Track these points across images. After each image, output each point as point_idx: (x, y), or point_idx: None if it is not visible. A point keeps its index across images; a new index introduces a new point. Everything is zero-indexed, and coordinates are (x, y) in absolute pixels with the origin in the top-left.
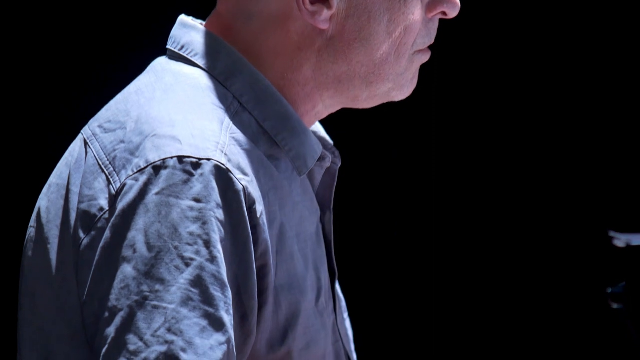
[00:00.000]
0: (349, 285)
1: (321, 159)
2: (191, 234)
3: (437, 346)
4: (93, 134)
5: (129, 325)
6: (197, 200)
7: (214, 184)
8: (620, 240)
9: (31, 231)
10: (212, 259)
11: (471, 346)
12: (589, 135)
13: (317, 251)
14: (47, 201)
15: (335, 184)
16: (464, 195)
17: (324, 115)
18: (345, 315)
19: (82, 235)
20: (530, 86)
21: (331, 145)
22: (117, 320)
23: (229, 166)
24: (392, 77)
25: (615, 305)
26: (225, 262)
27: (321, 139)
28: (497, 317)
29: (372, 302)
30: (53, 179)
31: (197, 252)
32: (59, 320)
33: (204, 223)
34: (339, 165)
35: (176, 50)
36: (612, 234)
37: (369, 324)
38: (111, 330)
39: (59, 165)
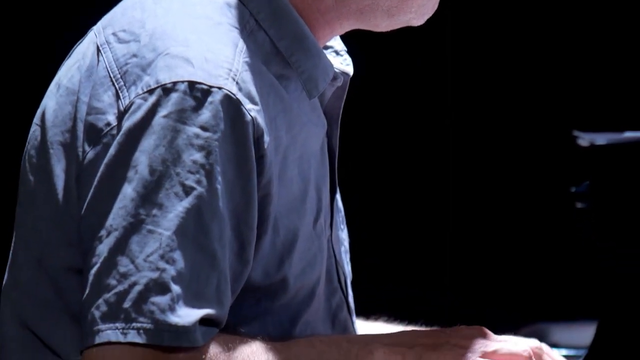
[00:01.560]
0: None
1: (333, 79)
2: (194, 162)
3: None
4: (107, 41)
5: (122, 246)
6: (204, 129)
7: (223, 114)
8: (584, 139)
9: (36, 129)
10: (212, 190)
11: (440, 240)
12: (556, 35)
13: (320, 169)
14: (55, 103)
15: (345, 94)
16: (441, 98)
17: (340, 34)
18: (343, 226)
19: (87, 148)
20: None
21: (344, 52)
22: (111, 240)
23: (239, 96)
24: (414, 8)
25: (579, 205)
26: (227, 193)
27: (333, 53)
28: (462, 217)
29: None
30: (64, 80)
31: (199, 182)
32: (57, 226)
33: (209, 153)
34: (351, 75)
35: None
36: (576, 133)
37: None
38: (104, 250)
39: (69, 63)
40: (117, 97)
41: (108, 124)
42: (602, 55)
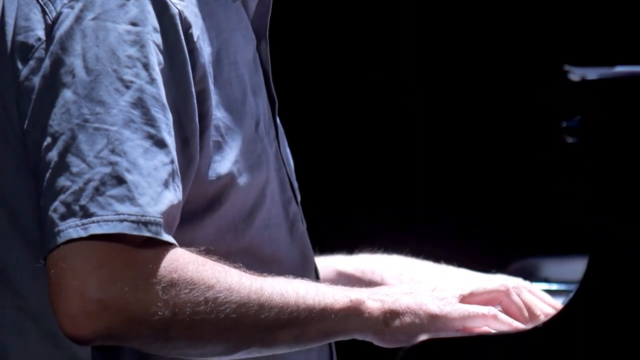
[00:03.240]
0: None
1: None
2: (129, 57)
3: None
4: None
5: (71, 148)
6: (134, 24)
7: (150, 8)
8: (575, 74)
9: None
10: (152, 81)
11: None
12: None
13: (254, 79)
14: None
15: (270, 13)
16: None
17: None
18: (286, 144)
19: (20, 66)
20: None
21: None
22: (59, 144)
23: None
24: None
25: (570, 140)
26: (165, 86)
27: None
28: (449, 146)
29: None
30: None
31: (137, 75)
32: (3, 153)
33: (142, 46)
34: None
35: None
36: (567, 67)
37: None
38: (53, 155)
39: None
40: (44, 12)
41: (38, 39)
42: None
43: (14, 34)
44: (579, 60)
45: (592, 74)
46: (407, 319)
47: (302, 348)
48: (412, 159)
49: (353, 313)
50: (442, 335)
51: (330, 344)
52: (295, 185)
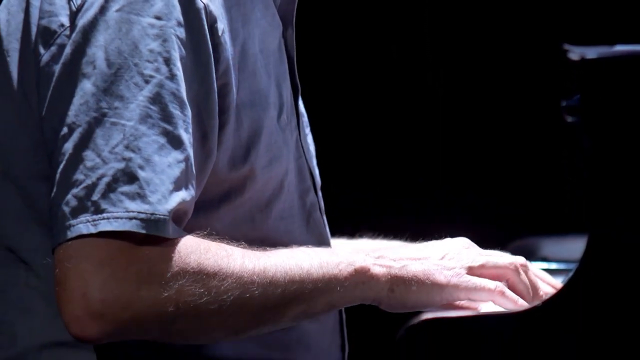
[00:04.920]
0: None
1: None
2: (151, 51)
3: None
4: None
5: (86, 141)
6: (158, 18)
7: (175, 2)
8: (575, 53)
9: None
10: (172, 77)
11: (428, 153)
12: None
13: (279, 67)
14: (7, 13)
15: None
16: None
17: None
18: (307, 130)
19: (42, 51)
20: None
21: None
22: (75, 136)
23: None
24: None
25: (569, 119)
26: (186, 81)
27: None
28: (451, 128)
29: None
30: None
31: (157, 70)
32: (20, 134)
33: (165, 40)
34: None
35: None
36: (566, 46)
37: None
38: (69, 147)
39: None
40: None
41: (62, 25)
42: None
43: (39, 17)
44: (578, 39)
45: (591, 53)
46: (413, 287)
47: (309, 320)
48: (412, 141)
49: (359, 281)
50: (444, 314)
51: (342, 331)
52: (316, 172)
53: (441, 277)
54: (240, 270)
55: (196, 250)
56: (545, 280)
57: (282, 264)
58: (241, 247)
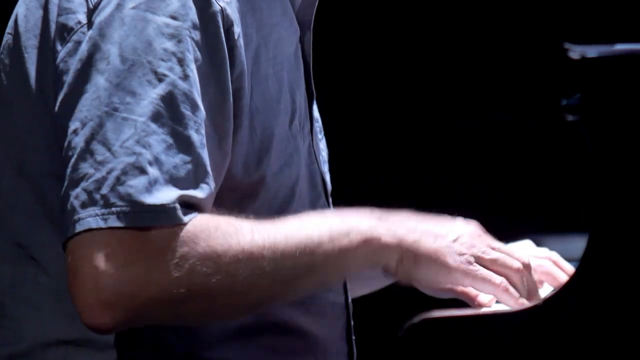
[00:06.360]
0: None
1: None
2: (165, 50)
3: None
4: None
5: (97, 135)
6: (174, 18)
7: (192, 4)
8: (575, 52)
9: (8, 38)
10: (185, 77)
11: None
12: None
13: (294, 73)
14: (26, 9)
15: (317, 3)
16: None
17: None
18: (321, 136)
19: (59, 47)
20: None
21: None
22: (87, 130)
23: None
24: None
25: (570, 117)
26: (201, 83)
27: None
28: (452, 127)
29: None
30: None
31: (171, 69)
32: (35, 130)
33: (179, 41)
34: None
35: None
36: (567, 45)
37: None
38: (80, 140)
39: None
40: None
41: (79, 22)
42: None
43: (57, 14)
44: (578, 38)
45: (592, 51)
46: (422, 265)
47: (321, 288)
48: (420, 145)
49: (369, 250)
50: (445, 313)
51: (349, 338)
52: (327, 178)
53: (451, 260)
54: (250, 246)
55: (205, 229)
56: (559, 264)
57: (292, 237)
58: (250, 221)
